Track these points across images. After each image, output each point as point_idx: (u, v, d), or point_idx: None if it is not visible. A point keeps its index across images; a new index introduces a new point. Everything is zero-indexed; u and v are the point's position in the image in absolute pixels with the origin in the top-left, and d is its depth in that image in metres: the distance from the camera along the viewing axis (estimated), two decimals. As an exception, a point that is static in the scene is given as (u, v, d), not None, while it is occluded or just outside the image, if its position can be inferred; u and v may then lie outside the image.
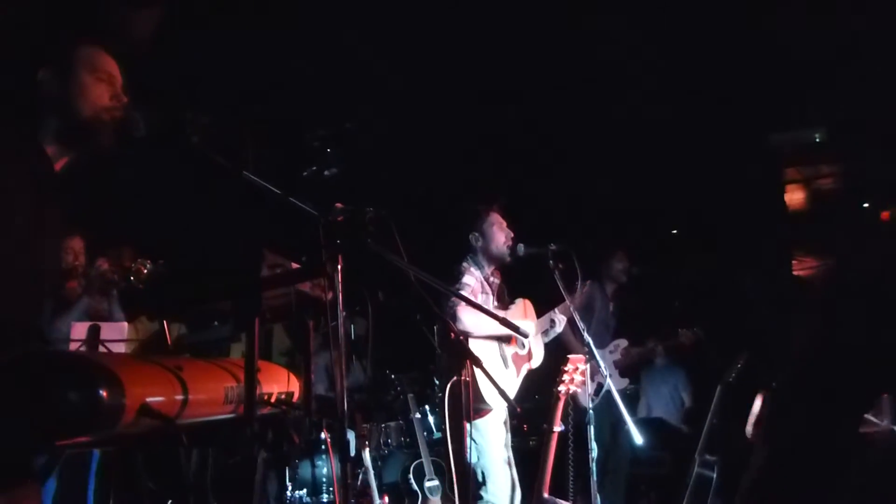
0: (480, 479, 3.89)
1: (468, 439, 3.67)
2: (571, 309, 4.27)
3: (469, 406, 3.18)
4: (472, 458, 3.87)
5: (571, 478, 5.61)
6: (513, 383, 4.07)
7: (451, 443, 4.61)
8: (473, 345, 3.93)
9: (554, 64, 5.07)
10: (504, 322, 2.94)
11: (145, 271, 3.72)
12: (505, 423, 4.10)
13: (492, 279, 4.24)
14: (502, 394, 2.93)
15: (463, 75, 5.11)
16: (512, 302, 4.32)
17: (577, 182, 6.97)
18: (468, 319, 3.84)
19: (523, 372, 4.19)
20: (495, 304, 4.21)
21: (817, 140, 5.98)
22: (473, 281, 4.07)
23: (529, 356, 4.25)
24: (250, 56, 4.62)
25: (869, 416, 4.36)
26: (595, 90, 5.32)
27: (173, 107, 2.00)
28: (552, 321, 4.29)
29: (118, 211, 4.60)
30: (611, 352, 5.45)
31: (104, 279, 3.79)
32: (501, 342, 4.10)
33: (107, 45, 2.07)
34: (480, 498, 3.87)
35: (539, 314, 4.44)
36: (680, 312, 5.36)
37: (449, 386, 4.22)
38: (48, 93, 1.95)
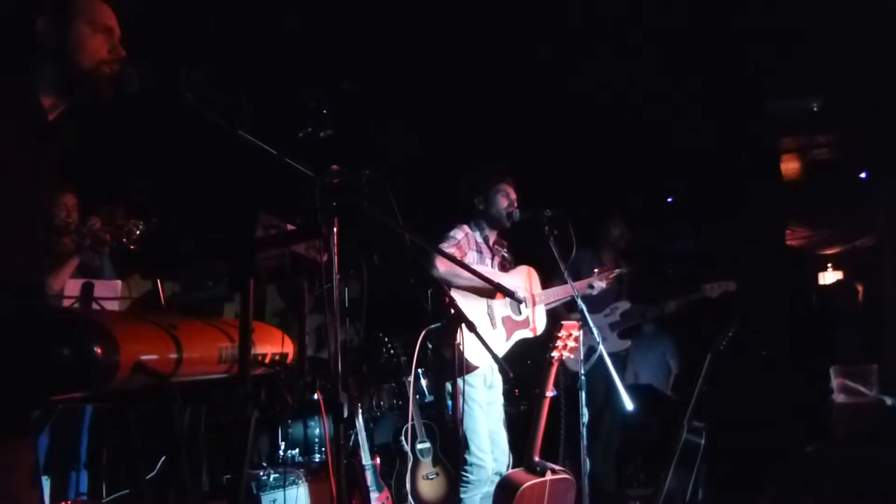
0: (464, 442, 3.90)
1: (460, 400, 3.69)
2: (566, 275, 4.27)
3: (460, 367, 3.20)
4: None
5: (562, 442, 5.68)
6: (500, 346, 4.07)
7: (438, 402, 4.66)
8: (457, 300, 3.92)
9: (548, 29, 5.02)
10: (498, 286, 2.94)
11: (137, 232, 3.71)
12: (490, 385, 4.13)
13: (494, 245, 4.24)
14: (495, 357, 2.95)
15: (460, 38, 5.06)
16: (513, 267, 4.32)
17: (574, 148, 6.94)
18: (443, 267, 3.83)
19: (515, 337, 4.18)
20: (494, 268, 4.21)
21: (814, 109, 5.95)
22: (461, 235, 4.09)
23: (527, 323, 4.25)
24: (245, 12, 4.55)
25: (858, 387, 4.42)
26: (592, 55, 5.28)
27: (168, 62, 1.97)
28: (591, 286, 4.36)
29: (112, 168, 4.56)
30: (606, 315, 5.46)
31: (96, 237, 3.77)
32: (492, 300, 4.10)
33: None
34: (465, 461, 3.90)
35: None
36: (672, 280, 5.34)
37: (434, 346, 4.25)
38: (45, 42, 1.91)
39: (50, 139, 1.94)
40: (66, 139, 2.01)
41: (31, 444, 1.86)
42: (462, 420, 3.91)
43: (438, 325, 3.93)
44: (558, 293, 4.42)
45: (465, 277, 3.85)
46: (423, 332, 4.12)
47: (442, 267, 3.84)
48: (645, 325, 7.18)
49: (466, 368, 3.91)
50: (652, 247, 5.36)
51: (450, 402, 4.09)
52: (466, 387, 3.93)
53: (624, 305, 5.52)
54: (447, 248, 3.97)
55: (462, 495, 3.87)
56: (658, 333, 7.35)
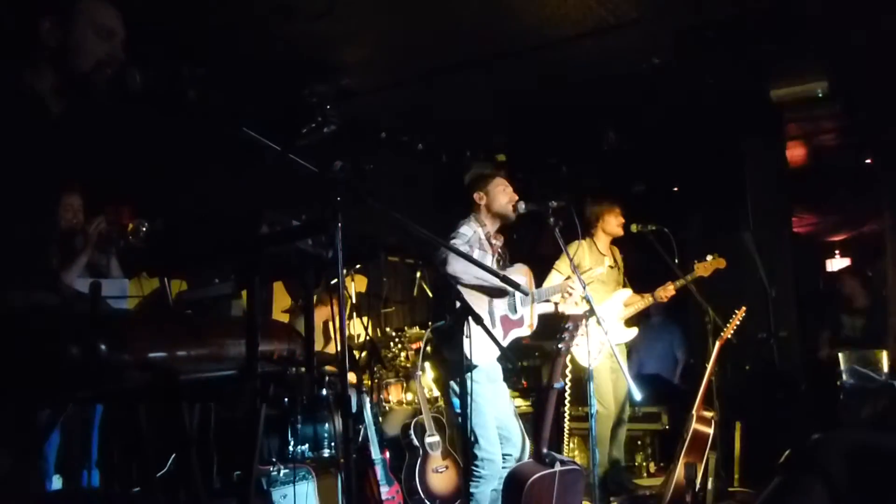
0: (472, 438, 3.89)
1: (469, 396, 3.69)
2: (571, 266, 4.28)
3: (462, 360, 3.20)
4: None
5: (568, 433, 5.69)
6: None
7: (443, 396, 4.64)
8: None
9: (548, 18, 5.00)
10: (504, 279, 2.94)
11: (143, 230, 3.71)
12: (493, 379, 4.12)
13: (493, 240, 4.24)
14: (501, 350, 2.95)
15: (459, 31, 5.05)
16: (510, 265, 4.31)
17: (577, 137, 6.93)
18: (458, 265, 3.86)
19: (511, 336, 4.18)
20: (495, 264, 4.20)
21: (819, 95, 5.90)
22: (470, 232, 4.10)
23: (522, 322, 4.25)
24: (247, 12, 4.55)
25: (868, 372, 4.41)
26: (595, 41, 5.25)
27: (170, 61, 1.97)
28: (568, 291, 4.28)
29: (116, 167, 4.56)
30: (612, 305, 5.46)
31: (102, 237, 3.78)
32: (492, 299, 4.10)
33: None
34: (475, 457, 3.91)
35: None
36: (680, 268, 5.34)
37: (435, 347, 4.24)
38: (47, 43, 1.92)
39: (52, 137, 1.95)
40: (69, 138, 2.02)
41: (38, 444, 1.86)
42: (469, 416, 3.93)
43: (442, 322, 3.93)
44: (554, 290, 4.42)
45: (476, 275, 3.86)
46: (429, 331, 4.12)
47: (457, 265, 3.85)
48: (653, 316, 7.18)
49: (468, 367, 3.91)
50: (662, 235, 5.33)
51: (455, 400, 4.09)
52: (472, 383, 3.94)
53: (625, 293, 5.52)
54: (460, 245, 3.98)
55: (473, 490, 3.87)
56: (665, 323, 7.35)
